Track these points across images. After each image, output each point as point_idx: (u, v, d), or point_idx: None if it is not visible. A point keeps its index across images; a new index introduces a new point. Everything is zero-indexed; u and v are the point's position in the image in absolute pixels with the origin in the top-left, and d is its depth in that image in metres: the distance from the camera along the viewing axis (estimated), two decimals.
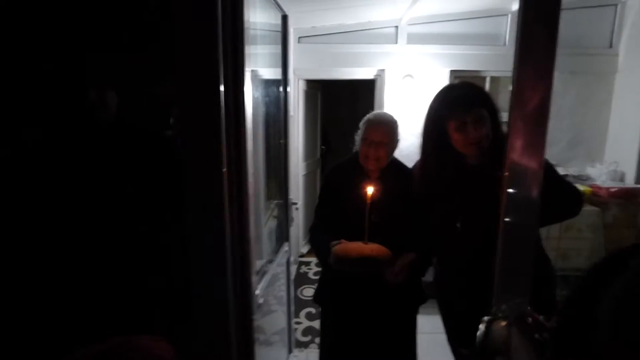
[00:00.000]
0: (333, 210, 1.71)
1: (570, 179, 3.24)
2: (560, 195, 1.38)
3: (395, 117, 1.71)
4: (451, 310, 1.69)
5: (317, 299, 1.84)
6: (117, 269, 1.27)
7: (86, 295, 1.21)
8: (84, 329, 1.14)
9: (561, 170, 3.31)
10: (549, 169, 1.39)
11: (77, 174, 1.22)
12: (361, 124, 1.69)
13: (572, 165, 3.58)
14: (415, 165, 1.69)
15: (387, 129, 1.64)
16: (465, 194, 1.49)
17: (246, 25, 1.24)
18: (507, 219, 1.14)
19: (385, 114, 1.72)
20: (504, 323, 0.76)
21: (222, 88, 1.16)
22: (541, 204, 1.07)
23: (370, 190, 1.48)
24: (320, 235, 1.69)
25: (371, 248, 1.48)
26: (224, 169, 1.18)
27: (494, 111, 1.42)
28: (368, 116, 1.70)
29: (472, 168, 1.49)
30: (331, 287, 1.76)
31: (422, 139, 1.55)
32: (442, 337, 1.74)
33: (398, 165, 1.74)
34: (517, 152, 1.12)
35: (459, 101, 1.42)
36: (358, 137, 1.69)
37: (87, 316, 1.20)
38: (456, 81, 1.54)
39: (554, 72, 1.08)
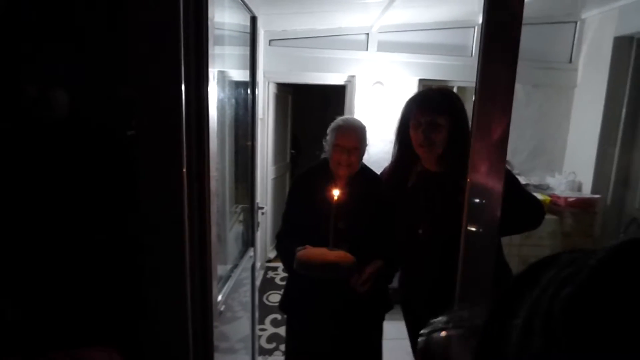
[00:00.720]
0: (301, 217, 1.69)
1: (531, 188, 3.36)
2: (523, 207, 1.41)
3: (364, 123, 1.71)
4: (414, 317, 1.70)
5: (282, 306, 1.80)
6: (65, 276, 1.19)
7: (33, 303, 1.12)
8: (32, 337, 1.06)
9: (523, 180, 3.42)
10: (512, 181, 1.42)
11: (19, 176, 1.14)
12: (330, 130, 1.67)
13: (534, 175, 3.70)
14: (384, 170, 1.70)
15: (358, 135, 1.63)
16: (426, 200, 1.51)
17: (211, 23, 1.20)
18: (469, 227, 1.16)
19: (355, 119, 1.72)
20: (443, 333, 0.76)
21: (183, 87, 1.12)
22: (503, 214, 1.10)
23: (336, 193, 1.47)
24: (286, 242, 1.66)
25: (335, 254, 1.47)
26: (184, 169, 1.14)
27: (458, 121, 1.44)
28: (337, 122, 1.68)
29: (434, 175, 1.52)
30: (297, 295, 1.73)
31: (394, 142, 1.60)
32: (405, 343, 1.75)
33: (367, 171, 1.73)
34: (479, 160, 1.15)
35: (421, 103, 1.48)
36: (327, 143, 1.67)
37: (36, 324, 1.11)
38: (434, 86, 1.57)
39: (515, 84, 1.11)
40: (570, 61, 3.66)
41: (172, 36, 1.08)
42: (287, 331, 1.85)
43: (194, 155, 1.19)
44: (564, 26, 3.62)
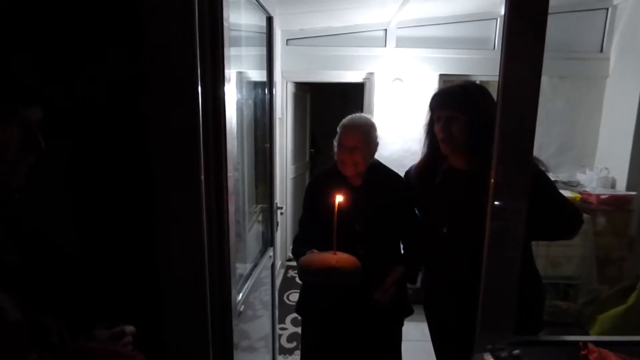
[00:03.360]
0: (315, 221, 1.66)
1: (559, 185, 3.23)
2: (557, 215, 1.35)
3: (372, 120, 1.66)
4: (438, 319, 1.65)
5: (299, 309, 1.79)
6: (80, 279, 1.21)
7: (48, 305, 1.15)
8: None
9: (551, 176, 3.29)
10: (547, 185, 1.37)
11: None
12: (338, 129, 1.64)
13: (562, 171, 3.56)
14: (412, 167, 1.68)
15: (361, 134, 1.57)
16: (452, 199, 1.47)
17: (226, 24, 1.20)
18: (493, 227, 1.12)
19: (361, 117, 1.65)
20: None
21: (200, 89, 1.12)
22: (534, 218, 1.06)
23: (339, 199, 1.41)
24: (300, 246, 1.64)
25: (337, 259, 1.40)
26: (202, 170, 1.14)
27: (479, 116, 1.37)
28: (343, 121, 1.64)
29: (460, 173, 1.48)
30: (311, 299, 1.71)
31: (423, 139, 1.58)
32: (427, 345, 1.71)
33: (382, 169, 1.69)
34: (503, 159, 1.11)
35: (442, 97, 1.47)
36: (336, 142, 1.64)
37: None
38: (459, 81, 1.53)
39: (541, 77, 1.05)
40: (602, 50, 3.48)
41: (187, 38, 1.08)
42: (303, 335, 1.83)
43: (212, 156, 1.19)
44: (594, 13, 3.45)
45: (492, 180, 1.13)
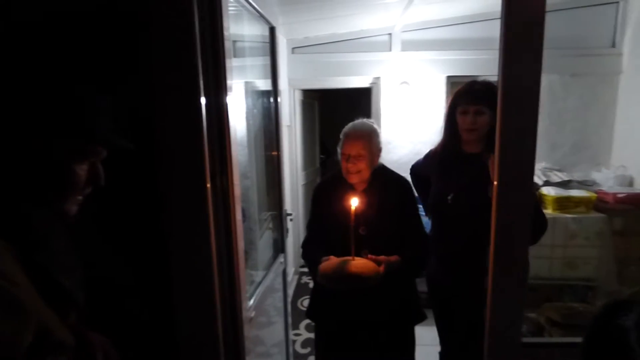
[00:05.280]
0: (323, 226, 1.68)
1: (574, 185, 3.16)
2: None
3: (374, 126, 1.67)
4: (439, 283, 1.79)
5: (310, 314, 1.80)
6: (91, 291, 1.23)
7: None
8: None
9: (565, 176, 3.22)
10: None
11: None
12: (340, 136, 1.65)
13: (577, 170, 3.48)
14: (431, 150, 1.89)
15: (364, 142, 1.58)
16: (458, 174, 1.68)
17: (226, 34, 1.23)
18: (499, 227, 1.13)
19: (363, 124, 1.66)
20: None
21: (203, 100, 1.14)
22: None
23: (355, 202, 1.43)
24: (310, 250, 1.66)
25: (356, 265, 1.42)
26: (208, 185, 1.16)
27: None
28: (345, 129, 1.65)
29: (469, 155, 1.69)
30: (323, 303, 1.72)
31: (443, 127, 1.78)
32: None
33: (386, 173, 1.69)
34: (507, 156, 1.12)
35: (470, 94, 1.66)
36: (339, 149, 1.65)
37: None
38: (481, 79, 1.75)
39: (541, 74, 1.05)
40: (614, 45, 3.40)
41: (189, 52, 1.11)
42: (316, 340, 1.84)
43: (217, 164, 1.21)
44: (604, 8, 3.37)
45: (495, 184, 1.13)
